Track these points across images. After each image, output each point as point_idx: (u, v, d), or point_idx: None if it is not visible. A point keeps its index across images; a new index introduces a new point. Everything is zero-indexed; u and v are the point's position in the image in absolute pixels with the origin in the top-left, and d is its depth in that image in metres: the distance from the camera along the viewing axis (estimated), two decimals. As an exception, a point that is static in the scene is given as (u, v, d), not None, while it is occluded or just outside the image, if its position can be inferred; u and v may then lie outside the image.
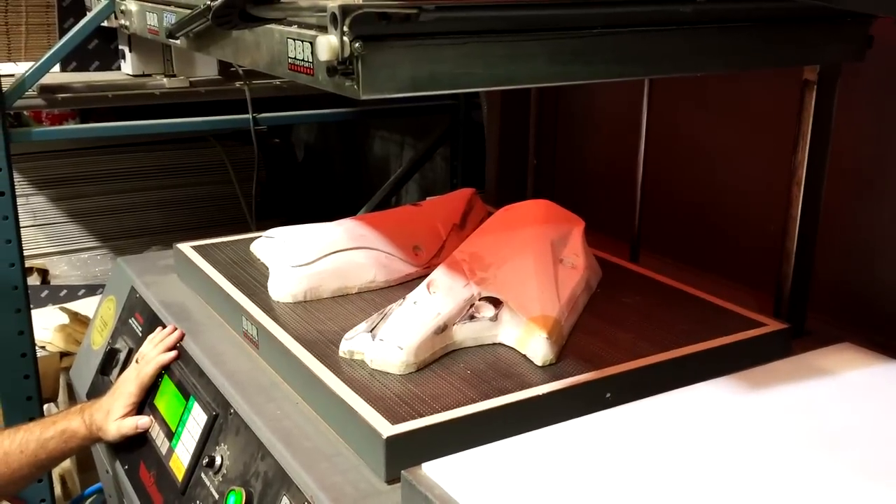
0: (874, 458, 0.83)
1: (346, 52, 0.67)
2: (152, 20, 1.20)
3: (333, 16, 0.67)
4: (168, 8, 1.11)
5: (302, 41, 0.75)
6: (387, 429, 0.89)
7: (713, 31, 0.85)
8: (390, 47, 0.69)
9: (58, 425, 1.18)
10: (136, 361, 1.24)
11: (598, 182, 1.73)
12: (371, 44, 0.68)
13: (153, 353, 1.22)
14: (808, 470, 0.81)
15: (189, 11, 0.96)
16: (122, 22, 1.33)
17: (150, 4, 1.20)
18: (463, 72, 0.73)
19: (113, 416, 1.18)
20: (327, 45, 0.67)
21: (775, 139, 1.36)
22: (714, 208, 1.49)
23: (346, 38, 0.66)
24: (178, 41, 0.99)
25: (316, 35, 0.70)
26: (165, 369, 1.22)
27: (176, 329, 1.24)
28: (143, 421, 1.19)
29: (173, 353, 1.21)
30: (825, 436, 0.87)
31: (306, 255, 1.23)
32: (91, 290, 2.51)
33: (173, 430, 1.15)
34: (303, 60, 0.76)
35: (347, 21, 0.66)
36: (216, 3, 0.68)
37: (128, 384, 1.20)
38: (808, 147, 1.14)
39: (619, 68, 0.81)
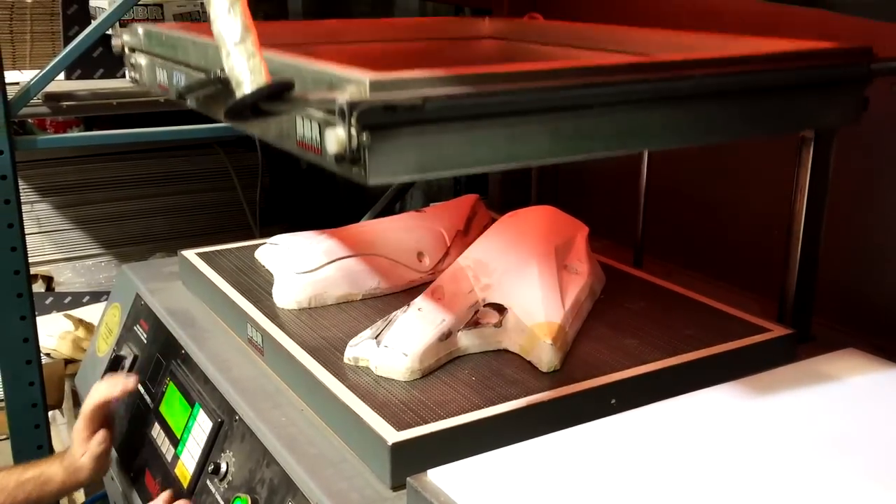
0: (879, 463, 0.83)
1: (354, 144, 0.69)
2: (162, 77, 1.22)
3: (342, 110, 0.68)
4: (178, 66, 1.13)
5: (311, 120, 0.78)
6: (392, 435, 0.89)
7: (710, 103, 0.87)
8: (397, 135, 0.71)
9: (37, 468, 1.21)
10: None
11: (601, 187, 1.73)
12: (378, 133, 0.70)
13: (101, 385, 1.22)
14: (812, 475, 0.81)
15: (200, 76, 0.99)
16: (132, 74, 1.34)
17: (160, 60, 1.22)
18: (468, 155, 0.76)
19: (79, 451, 1.20)
20: (335, 138, 0.69)
21: (782, 141, 1.36)
22: (718, 213, 1.49)
23: (353, 131, 0.68)
24: (187, 102, 1.01)
25: (324, 117, 0.72)
26: (171, 378, 1.23)
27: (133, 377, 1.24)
28: (101, 435, 1.19)
29: (118, 389, 1.21)
30: (830, 441, 0.87)
31: (311, 262, 1.24)
32: (96, 296, 2.52)
33: (178, 437, 1.15)
34: (311, 139, 0.78)
35: (355, 114, 0.68)
36: (233, 103, 0.71)
37: (77, 423, 1.22)
38: (805, 199, 1.16)
39: (619, 143, 0.83)
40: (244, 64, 0.72)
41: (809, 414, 0.92)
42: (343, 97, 0.68)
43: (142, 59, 1.28)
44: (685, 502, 0.77)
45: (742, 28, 1.38)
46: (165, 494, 1.09)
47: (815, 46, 0.98)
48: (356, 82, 0.71)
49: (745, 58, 0.90)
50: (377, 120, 0.69)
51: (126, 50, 1.31)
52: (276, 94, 0.70)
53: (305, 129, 0.79)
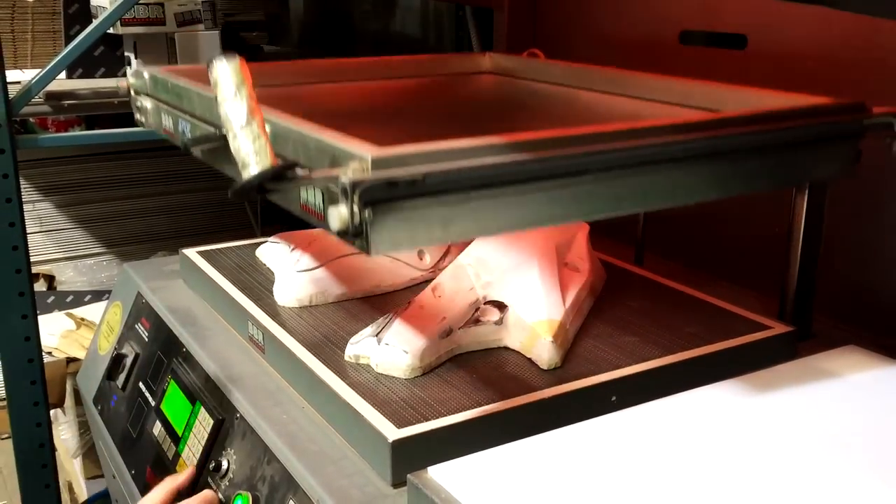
0: (880, 460, 0.83)
1: (357, 220, 0.70)
2: (167, 122, 1.23)
3: (344, 189, 0.70)
4: (184, 115, 1.15)
5: (314, 188, 0.79)
6: (392, 432, 0.89)
7: (703, 165, 0.89)
8: (398, 209, 0.72)
9: None
10: None
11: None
12: (380, 207, 0.71)
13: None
14: (812, 472, 0.81)
15: (206, 128, 1.03)
16: (137, 116, 1.35)
17: (164, 106, 1.24)
18: (471, 225, 0.78)
19: None
20: (338, 216, 0.70)
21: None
22: (718, 210, 1.49)
23: (355, 208, 0.69)
24: (192, 152, 1.04)
25: (326, 183, 0.74)
26: (173, 376, 1.23)
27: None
28: None
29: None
30: (831, 438, 0.87)
31: (311, 260, 1.24)
32: (97, 295, 2.52)
33: (180, 435, 1.15)
34: (315, 206, 0.80)
35: (357, 192, 0.69)
36: (240, 185, 0.73)
37: None
38: (800, 243, 1.17)
39: (617, 206, 0.85)
40: (250, 147, 0.74)
41: (809, 410, 0.92)
42: (346, 176, 0.70)
43: (147, 103, 1.29)
44: (686, 499, 0.77)
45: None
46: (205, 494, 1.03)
47: (809, 103, 0.99)
48: (359, 158, 0.72)
49: (740, 119, 0.92)
50: (379, 196, 0.71)
51: (132, 92, 1.33)
52: (281, 176, 0.72)
53: (309, 195, 0.80)
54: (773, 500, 0.77)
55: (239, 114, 0.76)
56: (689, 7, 1.49)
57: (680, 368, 1.05)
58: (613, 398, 1.00)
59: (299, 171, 0.73)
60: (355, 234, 0.71)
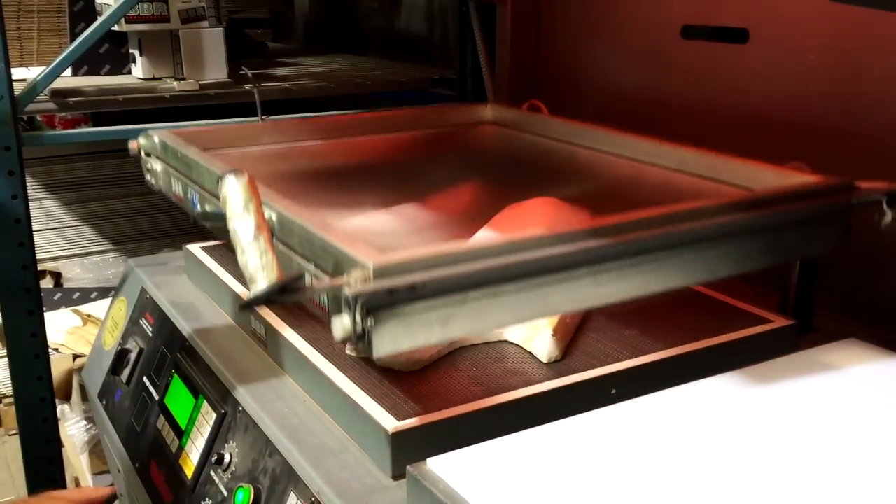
0: (880, 453, 0.83)
1: (359, 329, 0.74)
2: (177, 188, 1.27)
3: (347, 300, 0.74)
4: (193, 185, 1.20)
5: (318, 279, 0.85)
6: (392, 424, 0.89)
7: (696, 252, 0.93)
8: (398, 314, 0.76)
9: None
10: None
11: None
12: (381, 313, 0.75)
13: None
14: (813, 465, 0.81)
15: (215, 203, 1.08)
16: (148, 178, 1.39)
17: (174, 172, 1.27)
18: (469, 321, 0.81)
19: None
20: (341, 326, 0.74)
21: (785, 131, 1.37)
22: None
23: (358, 317, 0.73)
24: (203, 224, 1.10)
25: (330, 293, 0.80)
26: (176, 370, 1.24)
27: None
28: None
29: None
30: (830, 431, 0.87)
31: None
32: (104, 292, 2.54)
33: (183, 428, 1.16)
34: (320, 300, 0.86)
35: (359, 303, 0.73)
36: (248, 300, 0.78)
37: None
38: (795, 293, 1.19)
39: (601, 299, 0.90)
40: (257, 262, 0.79)
41: (810, 403, 0.92)
42: (348, 288, 0.74)
43: (157, 166, 1.33)
44: (685, 492, 0.77)
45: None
46: None
47: (800, 185, 1.04)
48: (361, 266, 0.77)
49: (732, 205, 0.97)
50: (380, 303, 0.75)
51: (142, 153, 1.35)
52: (288, 289, 0.77)
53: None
54: (772, 493, 0.77)
55: (247, 230, 0.80)
56: (691, 1, 1.49)
57: (680, 362, 1.05)
58: (613, 391, 1.00)
59: (304, 284, 0.79)
60: (358, 339, 0.75)
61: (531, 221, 1.27)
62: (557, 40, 1.79)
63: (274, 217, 0.97)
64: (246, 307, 0.82)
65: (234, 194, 0.82)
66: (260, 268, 0.78)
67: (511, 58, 1.83)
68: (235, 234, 0.80)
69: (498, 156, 1.44)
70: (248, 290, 0.79)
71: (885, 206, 0.99)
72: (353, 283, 0.75)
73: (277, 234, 0.97)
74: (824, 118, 1.30)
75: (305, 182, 1.33)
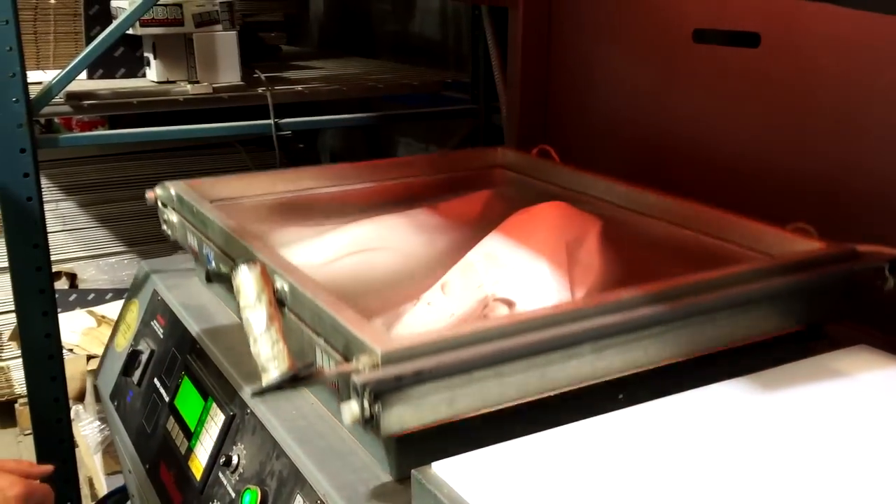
0: (889, 460, 0.83)
1: (367, 414, 0.79)
2: (193, 242, 1.31)
3: (355, 388, 0.77)
4: (208, 242, 1.24)
5: (328, 356, 0.91)
6: (398, 428, 0.89)
7: (701, 324, 0.97)
8: (406, 398, 0.80)
9: None
10: None
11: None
12: (388, 397, 0.79)
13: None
14: (822, 472, 0.81)
15: (227, 264, 1.15)
16: (164, 228, 1.42)
17: (190, 226, 1.31)
18: (475, 400, 0.84)
19: None
20: (350, 412, 0.79)
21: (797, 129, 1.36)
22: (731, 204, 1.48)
23: (366, 403, 0.78)
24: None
25: (339, 379, 0.85)
26: (186, 372, 1.24)
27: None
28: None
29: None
30: (840, 437, 0.86)
31: (323, 256, 1.25)
32: (118, 293, 2.56)
33: (192, 430, 1.17)
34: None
35: (368, 390, 0.77)
36: (260, 389, 0.83)
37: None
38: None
39: (620, 366, 0.94)
40: (269, 352, 0.82)
41: (819, 410, 0.92)
42: (357, 376, 0.78)
43: (173, 217, 1.36)
44: (692, 497, 0.77)
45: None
46: None
47: (804, 254, 1.07)
48: (369, 352, 0.81)
49: (739, 276, 1.00)
50: (387, 388, 0.79)
51: (159, 203, 1.37)
52: (298, 378, 0.82)
53: (322, 358, 0.92)
54: (780, 498, 0.77)
55: (259, 321, 0.84)
56: (702, 5, 1.49)
57: (688, 367, 1.04)
58: (620, 395, 0.99)
59: (314, 370, 0.83)
60: (365, 423, 0.79)
61: (540, 224, 1.27)
62: (569, 43, 1.79)
63: (286, 288, 1.00)
64: (258, 395, 0.86)
65: (246, 285, 0.85)
66: (272, 358, 0.82)
67: (523, 61, 1.83)
68: (248, 324, 0.84)
69: (506, 204, 1.47)
70: (261, 378, 0.84)
71: (887, 272, 1.03)
72: (361, 370, 0.80)
73: (289, 306, 1.01)
74: (835, 119, 1.29)
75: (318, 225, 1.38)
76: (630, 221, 1.35)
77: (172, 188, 1.37)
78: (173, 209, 1.37)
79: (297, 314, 0.99)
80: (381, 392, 0.78)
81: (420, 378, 0.79)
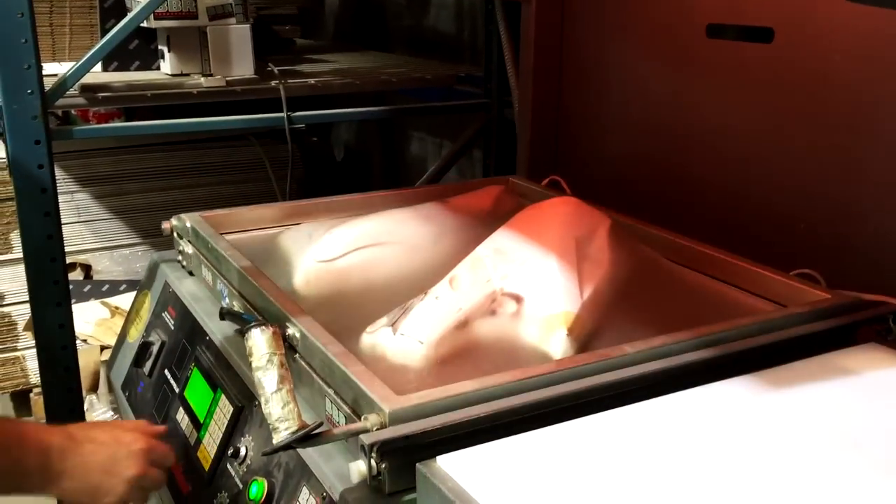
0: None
1: (374, 472, 0.82)
2: (207, 276, 1.34)
3: (363, 447, 0.82)
4: (222, 278, 1.27)
5: (338, 409, 0.95)
6: (404, 422, 0.90)
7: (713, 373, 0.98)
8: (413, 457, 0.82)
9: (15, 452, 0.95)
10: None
11: (630, 181, 1.72)
12: (395, 457, 0.82)
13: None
14: (829, 470, 0.80)
15: (240, 305, 1.21)
16: (180, 258, 1.45)
17: (204, 260, 1.34)
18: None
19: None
20: (358, 472, 0.82)
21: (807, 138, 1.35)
22: (741, 207, 1.47)
23: (373, 463, 0.82)
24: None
25: (348, 437, 0.88)
26: (196, 364, 1.25)
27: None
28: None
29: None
30: (848, 435, 0.86)
31: (332, 251, 1.25)
32: (132, 285, 2.57)
33: (201, 421, 1.17)
34: (336, 418, 0.95)
35: (375, 450, 0.81)
36: (271, 449, 0.86)
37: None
38: None
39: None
40: (280, 412, 0.86)
41: (828, 407, 0.91)
42: (365, 436, 0.82)
43: (189, 249, 1.38)
44: (696, 493, 0.77)
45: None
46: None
47: (809, 305, 1.11)
48: (377, 410, 0.85)
49: (745, 329, 1.05)
50: (394, 447, 0.82)
51: (175, 234, 1.39)
52: (308, 437, 0.85)
53: (331, 408, 0.96)
54: (788, 496, 0.76)
55: (270, 382, 0.87)
56: (715, 0, 1.48)
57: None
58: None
59: (323, 431, 0.85)
60: (372, 480, 0.82)
61: (549, 219, 1.27)
62: (582, 38, 1.78)
63: (297, 335, 1.03)
64: (270, 454, 0.92)
65: (258, 346, 0.89)
66: (283, 418, 0.86)
67: (535, 55, 1.82)
68: (260, 385, 0.87)
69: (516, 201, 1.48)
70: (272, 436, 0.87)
71: (891, 323, 1.07)
72: (369, 429, 0.83)
73: (300, 352, 1.03)
74: (848, 112, 1.28)
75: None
76: (637, 262, 1.35)
77: (188, 220, 1.40)
78: (188, 241, 1.40)
79: (308, 363, 1.02)
80: (388, 452, 0.81)
81: (426, 437, 0.83)
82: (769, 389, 0.95)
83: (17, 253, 2.42)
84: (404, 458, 0.82)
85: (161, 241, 2.81)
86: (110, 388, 2.23)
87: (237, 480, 1.05)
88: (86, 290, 2.57)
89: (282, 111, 2.09)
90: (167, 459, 1.04)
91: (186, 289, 1.40)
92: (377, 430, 0.84)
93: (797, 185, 1.37)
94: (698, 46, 1.51)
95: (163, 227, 1.46)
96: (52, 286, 1.80)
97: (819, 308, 1.10)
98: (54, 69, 2.06)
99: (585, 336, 1.09)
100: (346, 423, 0.91)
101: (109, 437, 1.01)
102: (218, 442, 1.11)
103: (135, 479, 1.00)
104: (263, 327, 0.90)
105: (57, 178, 1.82)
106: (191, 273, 1.43)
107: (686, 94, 1.56)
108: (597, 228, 1.29)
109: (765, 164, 1.42)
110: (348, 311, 1.19)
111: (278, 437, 0.85)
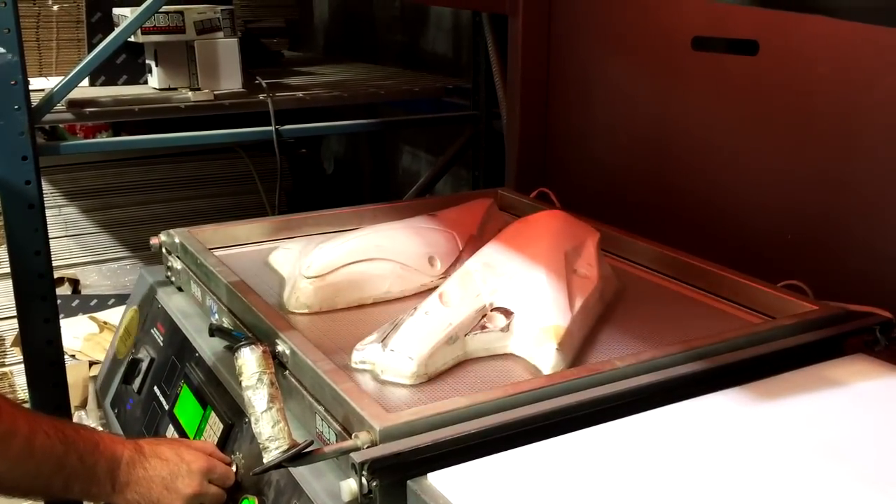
0: (886, 469, 0.83)
1: (365, 490, 0.82)
2: (196, 292, 1.34)
3: (353, 466, 0.81)
4: (211, 295, 1.27)
5: (328, 426, 0.94)
6: (394, 439, 0.90)
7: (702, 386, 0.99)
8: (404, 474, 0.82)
9: (88, 459, 0.98)
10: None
11: (617, 192, 1.73)
12: (386, 475, 0.82)
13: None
14: (817, 481, 0.81)
15: (230, 321, 1.20)
16: (168, 274, 1.45)
17: (192, 275, 1.34)
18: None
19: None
20: (349, 490, 0.82)
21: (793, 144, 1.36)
22: (732, 217, 1.48)
23: (364, 481, 0.81)
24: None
25: (338, 456, 0.87)
26: (185, 380, 1.24)
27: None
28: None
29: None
30: (836, 447, 0.86)
31: (321, 267, 1.25)
32: (121, 299, 2.56)
33: (191, 438, 1.17)
34: (327, 437, 0.95)
35: (366, 468, 0.81)
36: (262, 468, 0.86)
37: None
38: None
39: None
40: (270, 431, 0.86)
41: (816, 419, 0.92)
42: (356, 455, 0.81)
43: (177, 264, 1.40)
44: (684, 507, 0.77)
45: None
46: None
47: (797, 317, 1.12)
48: (368, 428, 0.85)
49: (734, 342, 1.05)
50: (385, 465, 0.82)
51: (164, 250, 1.39)
52: (298, 456, 0.85)
53: (322, 425, 0.96)
54: (772, 510, 0.77)
55: (260, 401, 0.88)
56: (701, 14, 1.49)
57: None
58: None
59: (314, 449, 0.86)
60: (363, 498, 0.82)
61: (538, 233, 1.27)
62: (569, 51, 1.79)
63: (287, 352, 1.03)
64: (260, 473, 0.90)
65: (248, 365, 0.89)
66: (273, 437, 0.86)
67: (523, 67, 1.83)
68: (250, 404, 0.88)
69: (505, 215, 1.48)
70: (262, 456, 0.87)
71: (878, 334, 1.08)
72: (360, 447, 0.83)
73: (290, 369, 1.03)
74: (832, 125, 1.29)
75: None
76: (628, 278, 1.37)
77: (177, 236, 1.39)
78: (177, 257, 1.39)
79: (298, 380, 1.02)
80: (379, 470, 0.81)
81: (416, 454, 0.83)
82: (758, 401, 0.95)
83: (5, 268, 2.41)
84: (395, 476, 0.82)
85: (150, 254, 2.80)
86: (99, 405, 2.21)
87: (228, 498, 1.04)
88: (74, 304, 2.56)
89: (268, 124, 2.09)
90: (227, 480, 1.04)
91: (175, 305, 1.40)
92: (368, 447, 0.84)
93: (783, 197, 1.38)
94: (684, 59, 1.52)
95: (151, 242, 1.46)
96: (40, 302, 1.80)
97: (807, 320, 1.11)
98: (41, 84, 2.05)
99: (575, 349, 1.09)
100: (336, 441, 0.91)
101: (173, 453, 1.03)
102: (208, 460, 1.11)
103: (193, 496, 1.01)
104: (253, 346, 0.90)
105: (44, 191, 1.81)
106: (180, 289, 1.43)
107: (673, 106, 1.57)
108: (585, 241, 1.29)
109: (751, 175, 1.43)
110: (338, 327, 1.19)
111: (269, 457, 0.85)
